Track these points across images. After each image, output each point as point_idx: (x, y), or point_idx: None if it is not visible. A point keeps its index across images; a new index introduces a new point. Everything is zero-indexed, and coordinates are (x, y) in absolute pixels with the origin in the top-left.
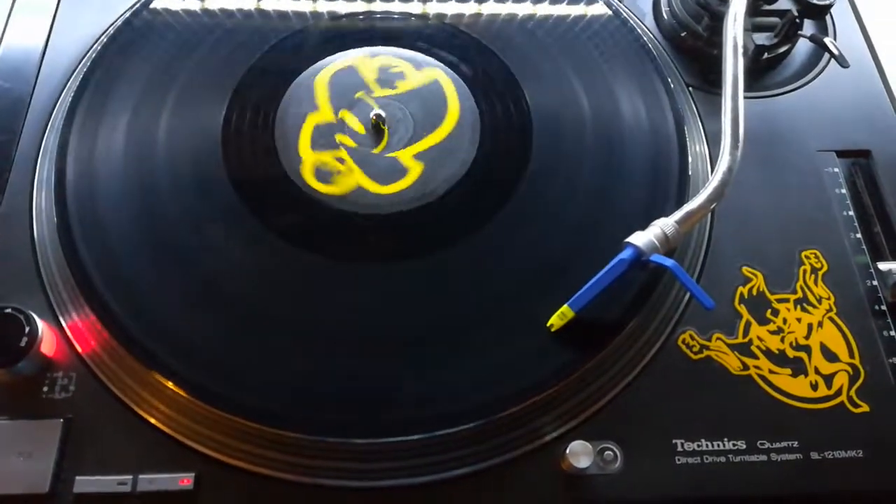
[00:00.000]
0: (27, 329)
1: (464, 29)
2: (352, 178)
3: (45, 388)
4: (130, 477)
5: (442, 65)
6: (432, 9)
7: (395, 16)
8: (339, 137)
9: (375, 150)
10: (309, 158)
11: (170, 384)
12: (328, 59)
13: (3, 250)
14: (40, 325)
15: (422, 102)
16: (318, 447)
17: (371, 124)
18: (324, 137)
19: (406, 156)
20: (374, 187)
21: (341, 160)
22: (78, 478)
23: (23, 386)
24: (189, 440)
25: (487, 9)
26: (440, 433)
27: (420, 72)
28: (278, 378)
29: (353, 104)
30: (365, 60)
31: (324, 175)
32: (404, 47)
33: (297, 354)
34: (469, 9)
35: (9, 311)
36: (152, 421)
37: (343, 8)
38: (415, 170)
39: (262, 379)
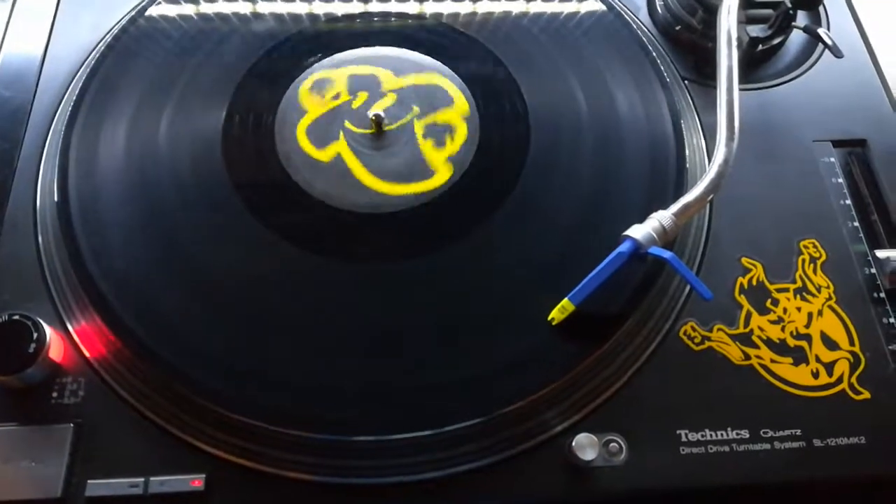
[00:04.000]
0: (35, 335)
1: (461, 29)
2: (315, 107)
3: (55, 394)
4: (142, 479)
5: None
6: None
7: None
8: (360, 92)
9: (348, 122)
10: (333, 74)
11: (177, 385)
12: (440, 66)
13: (8, 257)
14: (48, 331)
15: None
16: (325, 446)
17: (374, 120)
18: (358, 82)
19: (349, 156)
20: (305, 142)
21: (336, 96)
22: (90, 481)
23: (32, 392)
24: (199, 441)
25: (483, 7)
26: (446, 429)
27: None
28: (284, 378)
29: (403, 105)
30: (463, 106)
31: (319, 85)
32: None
33: (303, 353)
34: (464, 7)
35: (17, 317)
36: (161, 423)
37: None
38: (323, 156)
39: (268, 379)
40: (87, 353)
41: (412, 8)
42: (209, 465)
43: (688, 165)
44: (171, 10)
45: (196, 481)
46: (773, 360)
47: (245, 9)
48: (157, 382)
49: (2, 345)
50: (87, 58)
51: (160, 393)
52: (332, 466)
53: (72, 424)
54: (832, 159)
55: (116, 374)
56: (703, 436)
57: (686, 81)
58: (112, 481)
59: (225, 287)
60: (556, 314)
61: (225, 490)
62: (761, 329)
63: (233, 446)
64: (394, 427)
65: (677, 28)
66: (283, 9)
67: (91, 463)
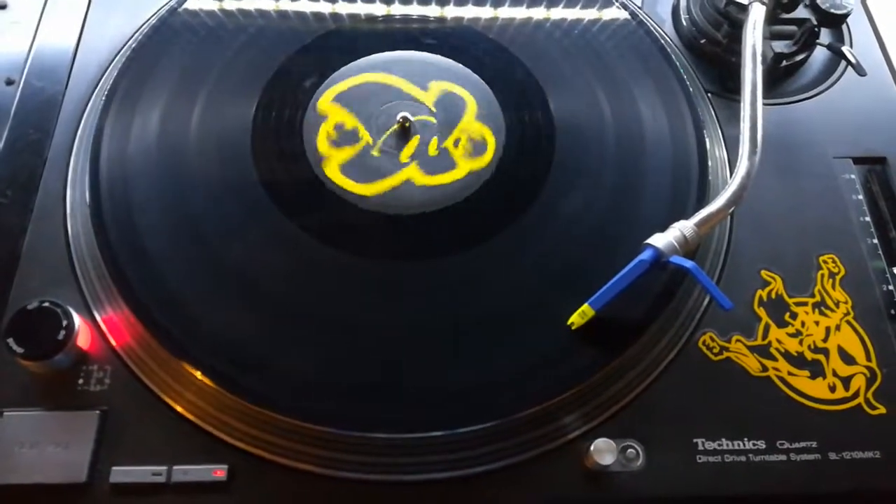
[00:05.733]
0: (64, 323)
1: (492, 37)
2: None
3: (81, 381)
4: (165, 468)
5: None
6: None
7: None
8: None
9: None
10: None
11: (201, 377)
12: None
13: (38, 246)
14: (76, 318)
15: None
16: (345, 441)
17: (399, 127)
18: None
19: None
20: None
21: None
22: (114, 468)
23: (59, 378)
24: (222, 433)
25: (512, 15)
26: (465, 430)
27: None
28: (307, 373)
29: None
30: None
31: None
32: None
33: (326, 349)
34: (493, 14)
35: (46, 304)
36: (186, 413)
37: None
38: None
39: (291, 373)
40: (113, 342)
41: (440, 13)
42: (232, 455)
43: (710, 177)
44: (204, 5)
45: (219, 471)
46: (790, 373)
47: (278, 6)
48: (181, 372)
49: (32, 330)
50: (120, 51)
51: (184, 383)
52: (351, 462)
53: (98, 411)
54: (852, 176)
55: (142, 364)
56: (719, 445)
57: (709, 94)
58: (136, 468)
59: (252, 281)
60: (575, 319)
61: (247, 481)
62: (779, 341)
63: (255, 438)
64: (412, 426)
65: (702, 41)
66: (315, 8)
67: (116, 450)
